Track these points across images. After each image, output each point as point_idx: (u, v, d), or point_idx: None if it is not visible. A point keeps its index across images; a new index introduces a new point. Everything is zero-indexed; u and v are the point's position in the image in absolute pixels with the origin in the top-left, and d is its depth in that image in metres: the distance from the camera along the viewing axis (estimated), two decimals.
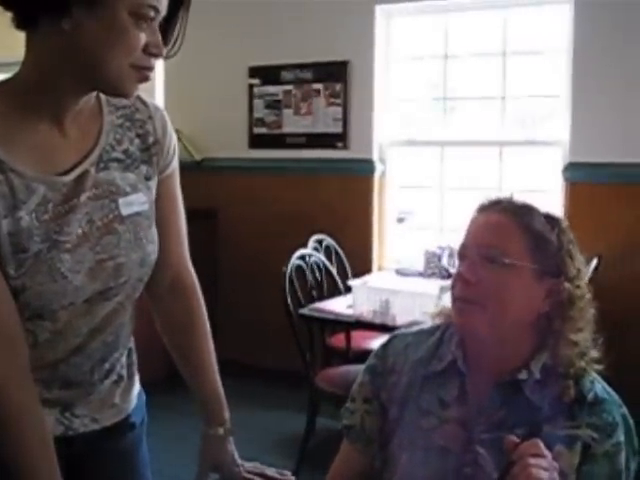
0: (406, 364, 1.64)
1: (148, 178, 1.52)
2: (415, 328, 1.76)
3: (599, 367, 1.52)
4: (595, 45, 4.47)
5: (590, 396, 1.49)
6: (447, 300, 1.62)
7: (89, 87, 1.37)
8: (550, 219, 1.55)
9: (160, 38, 1.33)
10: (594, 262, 3.89)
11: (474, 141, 5.11)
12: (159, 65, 5.74)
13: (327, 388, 3.78)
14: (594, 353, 1.52)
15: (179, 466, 2.10)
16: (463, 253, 1.55)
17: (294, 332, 3.81)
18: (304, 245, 4.49)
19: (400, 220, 5.34)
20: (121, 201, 1.45)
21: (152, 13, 1.29)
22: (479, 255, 1.50)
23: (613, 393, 1.53)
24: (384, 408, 1.64)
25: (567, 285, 1.50)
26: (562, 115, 4.72)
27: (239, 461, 1.71)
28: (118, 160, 1.47)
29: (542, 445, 1.27)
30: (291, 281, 3.93)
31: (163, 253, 1.57)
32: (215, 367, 1.73)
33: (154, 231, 1.53)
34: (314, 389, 3.87)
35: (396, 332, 1.76)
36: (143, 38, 1.29)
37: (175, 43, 1.40)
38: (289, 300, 3.84)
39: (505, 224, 1.52)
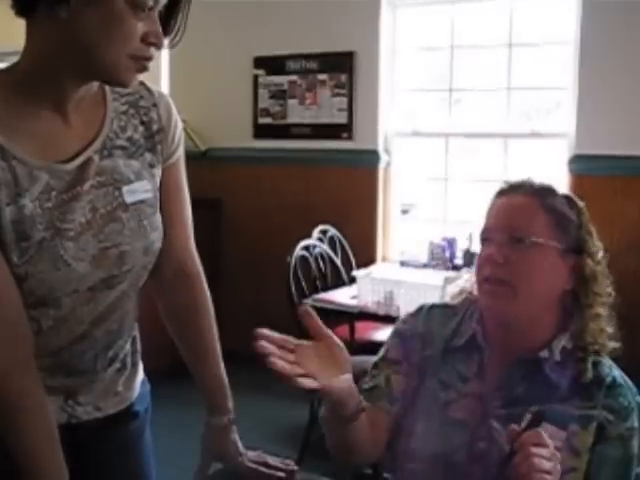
0: (433, 336, 1.68)
1: (152, 166, 1.52)
2: (442, 302, 1.82)
3: (615, 344, 1.56)
4: (601, 37, 4.45)
5: (608, 379, 1.52)
6: (463, 283, 1.69)
7: (88, 76, 1.36)
8: (568, 199, 1.61)
9: (159, 28, 1.31)
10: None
11: (479, 133, 5.10)
12: (164, 55, 5.78)
13: None
14: (610, 329, 1.57)
15: (183, 455, 2.10)
16: (487, 236, 1.59)
17: (298, 322, 3.80)
18: (308, 236, 4.48)
19: (404, 211, 5.34)
20: (125, 189, 1.45)
21: (150, 2, 1.27)
22: (505, 237, 1.54)
23: (629, 381, 1.56)
24: (411, 371, 1.66)
25: (589, 261, 1.55)
26: (568, 107, 4.70)
27: (242, 450, 1.70)
28: (122, 147, 1.46)
29: (544, 435, 1.28)
30: (295, 271, 3.93)
31: (168, 241, 1.57)
32: (219, 356, 1.72)
33: (158, 219, 1.52)
34: None
35: (424, 303, 1.79)
36: (141, 28, 1.28)
37: (177, 33, 1.39)
38: (293, 290, 3.84)
39: (529, 205, 1.57)
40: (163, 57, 5.80)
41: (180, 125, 1.61)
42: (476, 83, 5.13)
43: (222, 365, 1.72)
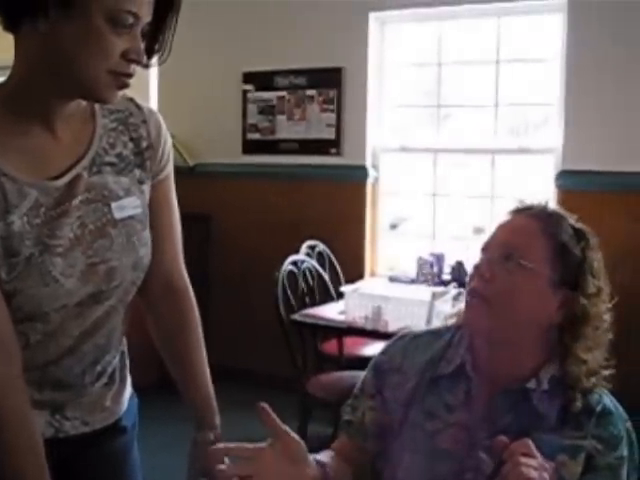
0: (414, 366, 1.64)
1: (142, 182, 1.52)
2: (425, 328, 1.78)
3: (608, 385, 1.52)
4: (588, 53, 4.47)
5: (598, 408, 1.48)
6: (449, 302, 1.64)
7: (69, 92, 1.36)
8: (579, 232, 1.54)
9: (140, 45, 1.31)
10: None
11: (467, 149, 5.13)
12: (153, 70, 5.77)
13: (319, 394, 3.78)
14: (605, 372, 1.52)
15: (170, 471, 2.09)
16: (485, 248, 1.56)
17: (286, 338, 3.80)
18: (297, 251, 4.49)
19: (393, 227, 5.34)
20: (114, 205, 1.45)
21: (130, 19, 1.27)
22: (498, 252, 1.51)
23: (620, 407, 1.54)
24: (387, 406, 1.64)
25: (583, 301, 1.49)
26: (555, 123, 4.73)
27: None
28: (111, 164, 1.47)
29: (532, 445, 1.27)
30: (283, 287, 3.93)
31: (157, 257, 1.57)
32: (207, 371, 1.72)
33: (147, 235, 1.53)
34: (306, 395, 3.86)
35: (405, 331, 1.76)
36: (121, 44, 1.28)
37: (164, 50, 1.39)
38: (281, 306, 3.84)
39: (530, 228, 1.52)
40: (152, 72, 5.79)
41: (170, 142, 1.61)
42: (464, 99, 5.15)
43: (209, 381, 1.72)
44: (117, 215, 1.45)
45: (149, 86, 5.78)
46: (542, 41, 4.82)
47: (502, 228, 1.57)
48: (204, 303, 5.15)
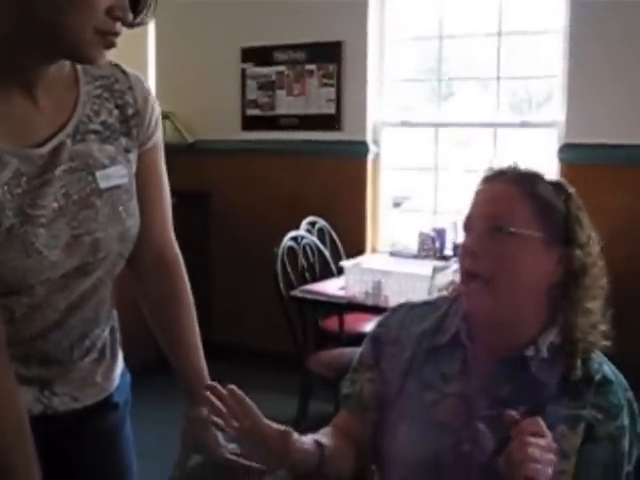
0: (410, 337, 1.61)
1: (128, 150, 1.48)
2: (422, 300, 1.75)
3: (607, 343, 1.49)
4: (591, 25, 4.41)
5: (598, 377, 1.46)
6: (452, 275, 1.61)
7: (53, 53, 1.32)
8: (556, 185, 1.52)
9: (126, 1, 1.27)
10: None
11: (468, 123, 5.08)
12: (151, 46, 5.74)
13: (320, 371, 3.76)
14: (603, 327, 1.49)
15: (164, 448, 2.06)
16: (469, 225, 1.52)
17: (286, 314, 3.77)
18: (297, 228, 4.45)
19: (396, 205, 5.30)
20: (99, 174, 1.41)
21: None
22: (485, 226, 1.47)
23: (620, 376, 1.50)
24: (385, 377, 1.61)
25: (578, 252, 1.46)
26: (558, 96, 4.67)
27: (222, 442, 1.66)
28: (96, 132, 1.43)
29: (543, 424, 1.24)
30: (283, 263, 3.90)
31: (145, 228, 1.54)
32: (199, 345, 1.68)
33: (134, 205, 1.49)
34: (306, 372, 3.84)
35: (401, 302, 1.73)
36: (106, 1, 1.24)
37: (148, 9, 1.34)
38: (281, 282, 3.80)
39: (510, 193, 1.49)
40: (150, 49, 5.76)
41: (157, 109, 1.57)
42: (466, 73, 5.09)
43: (201, 354, 1.68)
44: (102, 184, 1.41)
45: (147, 64, 5.74)
46: (544, 12, 4.74)
47: (481, 200, 1.53)
48: (204, 280, 5.19)
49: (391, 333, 1.65)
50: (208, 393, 1.36)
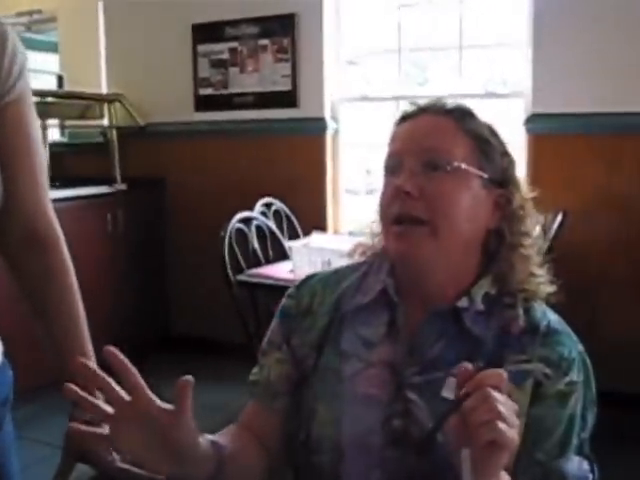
0: (324, 304, 1.40)
1: None
2: (334, 267, 1.54)
3: (550, 290, 1.31)
4: None
5: (543, 325, 1.26)
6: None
7: None
8: (489, 124, 1.36)
9: None
10: (559, 218, 3.68)
11: (431, 95, 4.81)
12: (100, 28, 5.51)
13: None
14: (542, 273, 1.33)
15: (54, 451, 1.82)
16: (395, 164, 1.30)
17: (234, 301, 3.53)
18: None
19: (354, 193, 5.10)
20: None
21: None
22: (420, 163, 1.27)
23: (568, 327, 1.30)
24: (296, 354, 1.39)
25: (517, 195, 1.33)
26: (523, 65, 4.48)
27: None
28: None
29: (506, 378, 1.01)
30: (230, 246, 3.64)
31: (11, 197, 1.34)
32: (83, 335, 1.45)
33: None
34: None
35: (313, 272, 1.51)
36: None
37: None
38: (228, 267, 3.55)
39: (447, 126, 1.30)
40: (100, 30, 5.53)
41: (21, 57, 1.35)
42: (426, 43, 4.88)
43: (88, 345, 1.45)
44: None
45: (99, 44, 5.52)
46: None
47: (408, 137, 1.31)
48: (159, 269, 4.96)
49: (302, 304, 1.43)
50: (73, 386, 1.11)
